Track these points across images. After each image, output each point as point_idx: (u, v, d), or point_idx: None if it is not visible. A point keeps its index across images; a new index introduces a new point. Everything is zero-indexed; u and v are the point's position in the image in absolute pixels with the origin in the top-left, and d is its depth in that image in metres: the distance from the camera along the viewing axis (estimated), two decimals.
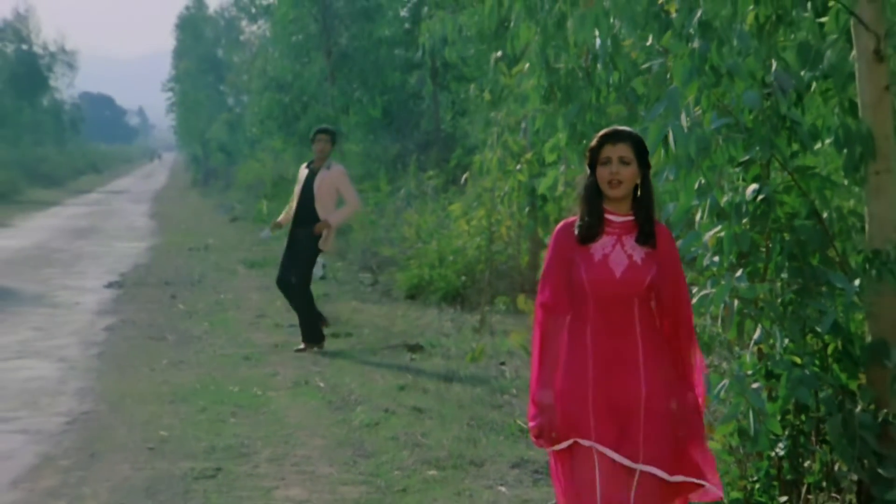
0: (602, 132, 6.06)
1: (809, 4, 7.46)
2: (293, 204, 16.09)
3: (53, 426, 11.38)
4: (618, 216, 6.02)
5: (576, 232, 6.04)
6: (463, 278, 20.11)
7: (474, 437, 10.79)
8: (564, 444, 5.99)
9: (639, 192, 6.01)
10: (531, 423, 6.11)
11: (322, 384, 13.32)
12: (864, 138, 6.89)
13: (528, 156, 17.80)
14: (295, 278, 15.86)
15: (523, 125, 16.95)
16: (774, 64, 7.16)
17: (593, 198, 6.02)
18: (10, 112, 78.14)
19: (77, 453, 10.41)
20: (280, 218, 16.42)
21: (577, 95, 13.45)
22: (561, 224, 6.19)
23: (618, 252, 5.96)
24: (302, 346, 15.71)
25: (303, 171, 16.24)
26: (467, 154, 22.06)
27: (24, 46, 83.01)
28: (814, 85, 7.44)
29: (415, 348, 15.49)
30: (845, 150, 6.93)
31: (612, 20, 9.42)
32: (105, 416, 11.80)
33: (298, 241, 15.92)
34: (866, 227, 7.09)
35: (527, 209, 18.09)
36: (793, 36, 7.64)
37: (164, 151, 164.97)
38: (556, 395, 6.03)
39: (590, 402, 5.93)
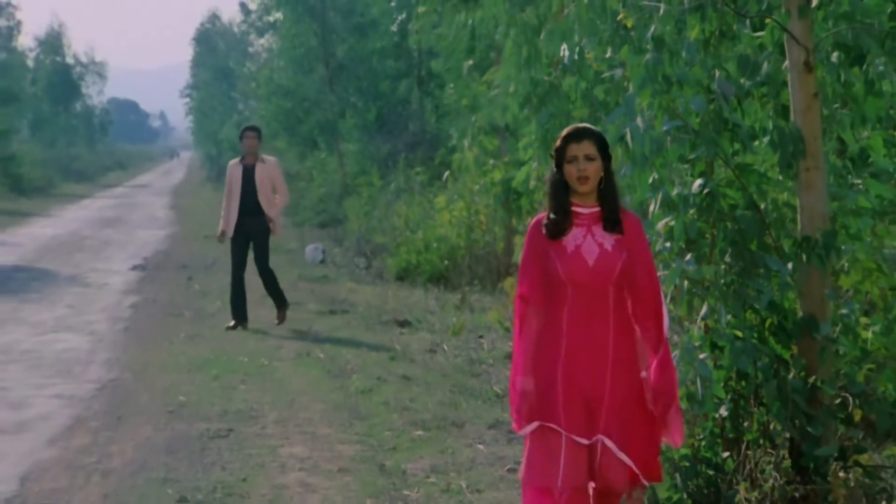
0: (565, 132, 5.88)
1: (748, 21, 7.48)
2: (232, 203, 15.45)
3: (85, 392, 11.38)
4: (585, 208, 5.82)
5: (544, 231, 5.84)
6: (446, 262, 20.14)
7: (456, 401, 10.81)
8: (531, 427, 5.78)
9: (602, 184, 5.81)
10: (514, 412, 5.88)
11: (322, 355, 13.33)
12: (795, 139, 6.92)
13: (506, 158, 17.84)
14: (259, 266, 15.64)
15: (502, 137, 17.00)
16: (718, 74, 7.18)
17: (560, 194, 5.82)
18: (48, 117, 77.97)
19: (105, 416, 10.42)
20: (223, 227, 15.62)
21: (549, 102, 13.49)
22: (534, 220, 5.97)
23: (589, 242, 5.76)
24: (278, 317, 15.79)
25: (235, 169, 15.56)
26: (450, 153, 22.05)
27: (59, 59, 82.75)
28: (752, 92, 7.46)
29: (403, 324, 15.50)
30: (780, 150, 6.95)
31: (576, 36, 9.38)
32: (130, 384, 11.81)
33: (251, 230, 15.51)
34: (798, 216, 7.12)
35: (501, 202, 18.12)
36: (734, 49, 7.65)
37: (181, 150, 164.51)
38: (534, 381, 5.81)
39: (559, 385, 5.74)
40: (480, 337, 14.28)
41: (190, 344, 14.00)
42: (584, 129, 5.85)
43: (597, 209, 5.82)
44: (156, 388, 11.56)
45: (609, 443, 5.70)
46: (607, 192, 5.82)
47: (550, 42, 10.24)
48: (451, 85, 20.26)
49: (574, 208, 5.83)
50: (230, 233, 15.46)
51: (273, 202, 15.58)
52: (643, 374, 5.87)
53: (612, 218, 5.79)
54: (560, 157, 5.82)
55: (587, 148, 5.74)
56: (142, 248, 26.78)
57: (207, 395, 11.23)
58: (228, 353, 13.45)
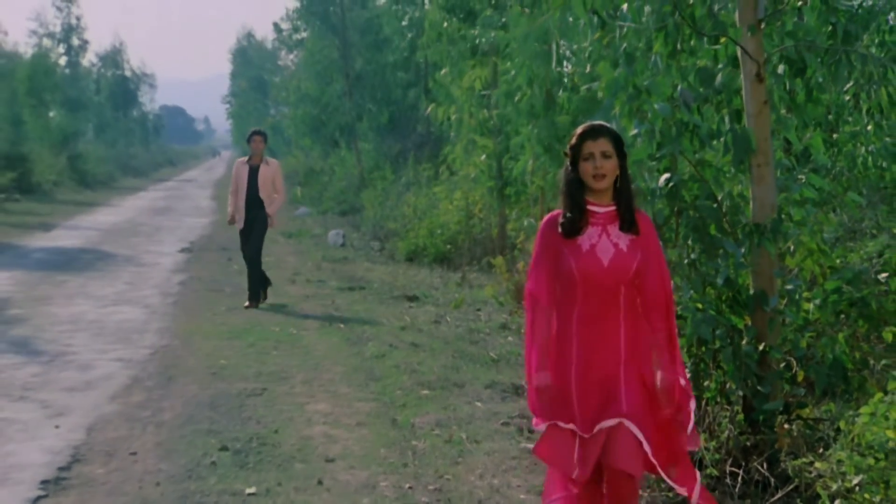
0: (581, 129, 5.17)
1: (706, 38, 7.45)
2: (239, 197, 15.02)
3: (140, 356, 11.37)
4: (601, 207, 5.14)
5: (559, 229, 5.14)
6: (448, 246, 20.13)
7: (457, 365, 10.80)
8: (544, 426, 5.23)
9: (618, 183, 5.14)
10: (532, 408, 5.28)
11: (342, 325, 13.31)
12: (747, 140, 6.89)
13: (506, 158, 17.79)
14: (251, 250, 15.05)
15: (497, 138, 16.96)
16: (680, 84, 7.16)
17: (576, 192, 5.12)
18: (109, 121, 78.04)
19: (158, 377, 10.41)
20: (232, 214, 15.18)
21: (548, 113, 13.55)
22: (547, 217, 5.25)
23: (604, 241, 5.09)
24: (247, 303, 14.92)
25: (242, 167, 15.12)
26: (452, 149, 22.06)
27: (119, 72, 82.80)
28: (709, 98, 7.43)
29: (412, 298, 15.48)
30: (733, 150, 6.93)
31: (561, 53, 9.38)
32: (178, 349, 11.80)
33: (254, 222, 15.02)
34: (750, 206, 7.10)
35: (494, 192, 18.09)
36: (693, 61, 7.63)
37: (222, 150, 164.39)
38: (551, 376, 5.19)
39: (573, 385, 5.12)
40: (478, 310, 14.27)
41: (229, 315, 13.98)
42: (601, 126, 5.17)
43: (612, 208, 5.15)
44: (200, 353, 11.55)
45: (629, 423, 5.03)
46: (623, 191, 5.15)
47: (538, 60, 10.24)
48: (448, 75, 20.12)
49: (589, 207, 5.15)
50: (240, 225, 15.07)
51: (273, 199, 15.11)
52: (658, 375, 5.19)
53: (628, 217, 5.14)
54: (576, 155, 5.14)
55: (603, 145, 5.07)
56: (188, 233, 26.76)
57: (244, 359, 11.23)
58: (262, 324, 13.44)
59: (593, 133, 5.11)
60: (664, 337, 5.22)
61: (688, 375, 5.41)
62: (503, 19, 16.21)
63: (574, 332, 5.14)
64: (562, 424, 5.18)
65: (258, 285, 15.09)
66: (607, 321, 5.13)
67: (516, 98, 14.79)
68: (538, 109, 14.02)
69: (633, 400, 5.10)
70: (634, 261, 5.11)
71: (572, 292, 5.15)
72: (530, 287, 5.26)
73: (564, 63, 14.28)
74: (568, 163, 5.17)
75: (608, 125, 5.16)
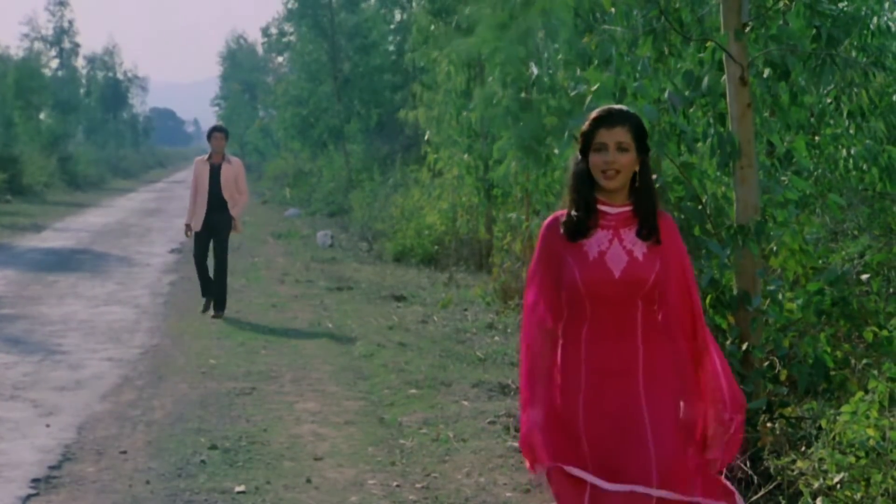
0: (595, 113, 4.19)
1: (693, 43, 7.47)
2: (199, 198, 14.00)
3: (131, 355, 11.35)
4: (613, 207, 4.20)
5: (562, 230, 4.21)
6: (436, 247, 20.12)
7: (444, 364, 10.79)
8: (544, 468, 4.20)
9: (637, 181, 4.19)
10: (524, 450, 4.27)
11: (330, 325, 13.30)
12: (733, 143, 6.90)
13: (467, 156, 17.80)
14: (219, 256, 14.05)
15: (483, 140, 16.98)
16: (668, 88, 7.18)
17: (584, 187, 4.18)
18: (100, 123, 77.91)
19: (148, 375, 10.40)
20: (189, 221, 14.13)
21: (525, 116, 13.56)
22: (549, 218, 4.32)
23: (616, 248, 4.15)
24: (214, 312, 13.97)
25: (203, 166, 14.09)
26: (435, 151, 22.04)
27: (110, 74, 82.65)
28: (695, 101, 7.45)
29: (400, 298, 15.48)
30: (718, 152, 6.94)
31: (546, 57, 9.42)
32: (169, 348, 11.78)
33: (217, 225, 13.99)
34: (734, 207, 7.11)
35: (481, 193, 18.10)
36: (679, 65, 7.64)
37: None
38: (548, 411, 4.21)
39: (580, 420, 4.16)
40: (465, 310, 14.27)
41: None
42: (620, 111, 4.18)
43: (627, 209, 4.20)
44: (191, 352, 11.53)
45: (673, 495, 4.09)
46: (643, 191, 4.20)
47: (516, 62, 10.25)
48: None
49: (599, 206, 4.20)
50: (197, 227, 14.01)
51: (236, 200, 14.14)
52: (681, 407, 4.26)
53: (648, 222, 4.19)
54: (587, 143, 4.18)
55: (620, 135, 4.10)
56: (178, 234, 26.63)
57: (234, 359, 11.21)
58: (251, 324, 13.44)
59: (609, 119, 4.14)
60: (688, 361, 4.29)
61: (740, 390, 4.38)
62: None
63: (583, 356, 4.20)
64: (570, 470, 4.15)
65: (224, 292, 14.12)
66: (622, 342, 4.18)
67: (493, 101, 14.82)
68: (514, 111, 14.02)
69: (664, 443, 4.14)
70: (652, 272, 4.17)
71: (579, 307, 4.20)
72: (528, 299, 4.33)
73: (545, 65, 14.28)
74: (578, 151, 4.24)
75: (630, 111, 4.22)
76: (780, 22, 7.41)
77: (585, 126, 4.19)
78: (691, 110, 7.56)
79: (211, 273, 14.23)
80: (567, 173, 4.34)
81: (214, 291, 14.09)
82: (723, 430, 4.27)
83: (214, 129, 14.49)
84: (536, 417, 4.21)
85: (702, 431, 4.27)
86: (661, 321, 4.25)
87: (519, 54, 13.80)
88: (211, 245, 14.22)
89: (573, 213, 4.21)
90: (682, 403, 4.25)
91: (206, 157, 14.30)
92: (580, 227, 4.19)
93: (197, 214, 14.03)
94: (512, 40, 13.69)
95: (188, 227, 14.13)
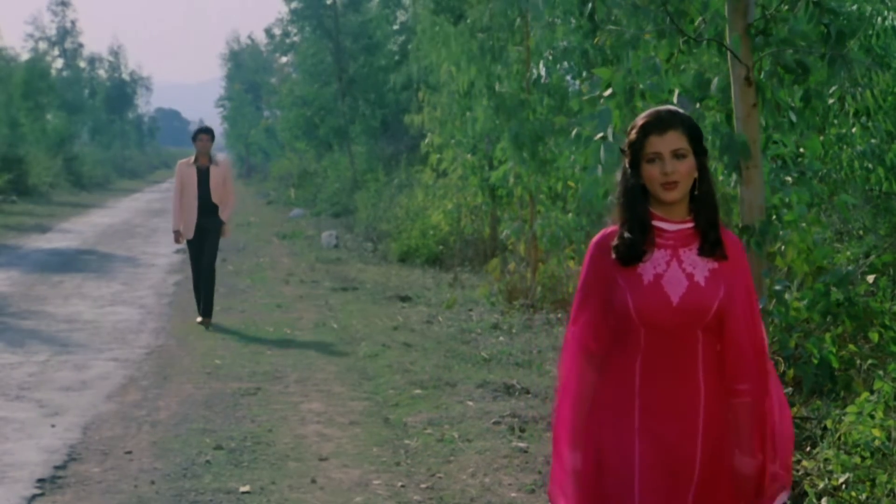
0: (642, 119, 3.66)
1: (705, 43, 7.46)
2: (187, 203, 13.28)
3: (136, 356, 11.35)
4: (671, 223, 3.68)
5: (613, 254, 3.69)
6: (440, 247, 20.10)
7: (449, 364, 10.78)
8: None
9: (696, 190, 3.67)
10: (558, 494, 3.82)
11: (335, 325, 13.29)
12: (742, 145, 6.89)
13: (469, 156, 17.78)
14: (207, 260, 13.37)
15: (487, 140, 17.01)
16: (677, 89, 7.18)
17: (637, 204, 3.66)
18: (105, 124, 77.97)
19: (153, 376, 10.39)
20: (177, 228, 13.43)
21: (516, 114, 13.54)
22: (599, 236, 3.80)
23: (674, 271, 3.65)
24: (201, 319, 13.39)
25: (188, 170, 13.40)
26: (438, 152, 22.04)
27: (116, 75, 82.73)
28: (706, 102, 7.45)
29: (405, 298, 15.46)
30: (728, 154, 6.93)
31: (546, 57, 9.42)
32: (174, 349, 11.78)
33: (208, 230, 13.32)
34: (739, 208, 7.10)
35: (485, 193, 18.07)
36: (684, 67, 7.63)
37: (217, 152, 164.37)
38: (590, 456, 3.72)
39: (636, 464, 3.64)
40: (470, 310, 14.25)
41: (224, 315, 13.94)
42: (670, 114, 3.66)
43: (688, 226, 3.69)
44: (196, 353, 11.53)
45: None
46: (704, 201, 3.68)
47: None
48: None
49: (655, 223, 3.69)
50: (189, 234, 13.36)
51: (225, 203, 13.52)
52: (735, 457, 3.73)
53: (710, 237, 3.68)
54: (636, 154, 3.66)
55: (675, 141, 3.60)
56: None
57: (239, 359, 11.21)
58: (257, 324, 13.42)
59: (660, 124, 3.63)
60: (748, 404, 3.72)
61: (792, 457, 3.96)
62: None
63: (636, 392, 3.69)
64: None
65: (212, 299, 13.46)
66: (681, 378, 3.67)
67: (481, 102, 14.86)
68: (509, 108, 14.01)
69: (709, 493, 3.70)
70: (716, 298, 3.64)
71: (633, 337, 3.69)
72: (573, 330, 3.82)
73: (541, 64, 14.28)
74: (626, 163, 3.72)
75: (680, 112, 3.71)
76: (789, 24, 7.39)
77: (632, 135, 3.68)
78: (698, 112, 7.55)
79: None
80: (616, 190, 3.79)
81: (202, 297, 13.42)
82: (777, 488, 3.81)
83: (200, 131, 13.73)
84: (578, 464, 3.74)
85: (755, 491, 3.77)
86: (724, 355, 3.71)
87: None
88: None
89: (626, 234, 3.67)
90: (736, 454, 3.73)
91: (192, 159, 13.59)
92: (635, 249, 3.67)
93: (187, 221, 13.35)
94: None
95: (177, 233, 13.47)
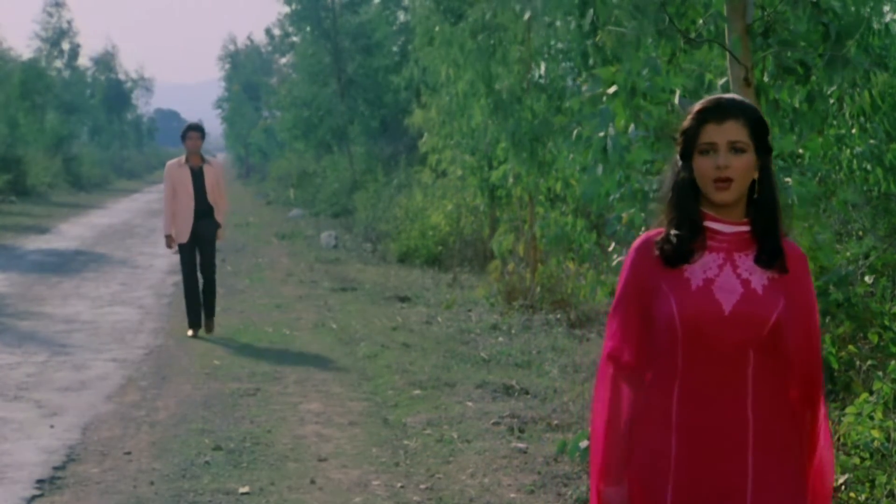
0: (700, 105, 3.18)
1: (707, 44, 7.46)
2: (181, 207, 12.50)
3: (135, 356, 11.35)
4: (725, 224, 3.18)
5: (656, 252, 3.21)
6: (440, 248, 20.10)
7: (448, 365, 10.78)
8: None
9: (756, 191, 3.17)
10: None
11: (334, 326, 13.29)
12: None
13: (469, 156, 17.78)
14: (208, 267, 12.78)
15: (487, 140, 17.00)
16: (678, 91, 7.18)
17: (688, 199, 3.19)
18: (103, 124, 77.94)
19: (152, 376, 10.39)
20: (169, 232, 12.73)
21: (513, 112, 13.55)
22: (640, 239, 3.31)
23: (727, 276, 3.13)
24: (206, 328, 12.77)
25: (180, 171, 12.55)
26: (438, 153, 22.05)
27: (113, 75, 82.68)
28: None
29: (404, 299, 15.46)
30: None
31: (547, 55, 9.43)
32: (173, 349, 11.78)
33: (203, 235, 12.58)
34: None
35: (485, 193, 18.06)
36: (685, 66, 7.63)
37: (216, 152, 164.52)
38: (631, 494, 3.23)
39: (669, 499, 3.13)
40: (469, 310, 14.25)
41: (223, 315, 13.92)
42: (731, 101, 3.18)
43: (744, 228, 3.19)
44: (194, 353, 11.53)
45: None
46: (764, 205, 3.17)
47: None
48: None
49: (708, 223, 3.19)
50: (183, 238, 12.58)
51: (219, 204, 12.75)
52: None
53: (769, 245, 3.16)
54: (689, 144, 3.18)
55: (734, 131, 3.11)
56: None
57: (238, 359, 11.21)
58: (255, 324, 13.42)
59: (718, 112, 3.14)
60: (806, 432, 3.26)
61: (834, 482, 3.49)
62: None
63: (673, 422, 3.15)
64: None
65: (214, 303, 12.96)
66: (726, 406, 3.13)
67: (478, 101, 14.86)
68: (506, 106, 14.01)
69: None
70: (774, 310, 3.12)
71: (671, 353, 3.16)
72: (610, 344, 3.31)
73: (541, 63, 14.28)
74: (678, 154, 3.25)
75: (746, 101, 3.22)
76: (787, 24, 7.39)
77: (687, 122, 3.20)
78: None
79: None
80: (664, 184, 3.34)
81: (205, 307, 12.78)
82: None
83: (189, 129, 12.82)
84: (619, 499, 3.26)
85: None
86: (778, 378, 3.19)
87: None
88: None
89: (673, 232, 3.20)
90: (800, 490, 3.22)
91: (182, 160, 12.72)
92: (682, 248, 3.17)
93: (181, 224, 12.57)
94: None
95: (169, 238, 12.75)
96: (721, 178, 3.10)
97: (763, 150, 3.15)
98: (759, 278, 3.14)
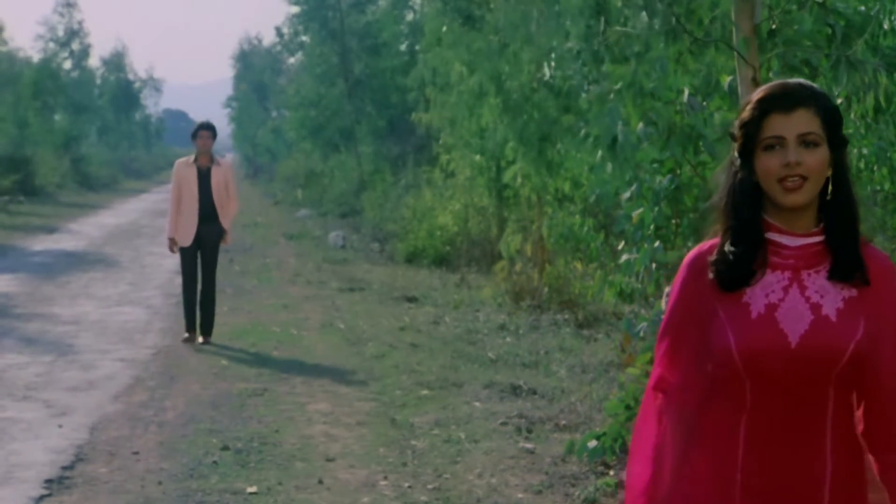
0: (762, 92, 2.68)
1: (715, 44, 7.44)
2: (186, 207, 12.07)
3: (143, 356, 11.35)
4: (793, 237, 2.69)
5: (711, 274, 2.72)
6: (447, 248, 20.09)
7: (455, 365, 10.76)
8: None
9: (829, 192, 2.67)
10: None
11: (342, 326, 13.28)
12: None
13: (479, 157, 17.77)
14: (208, 273, 12.26)
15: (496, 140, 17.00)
16: (686, 90, 7.17)
17: (747, 206, 2.69)
18: (112, 124, 78.05)
19: (160, 376, 10.39)
20: (172, 235, 12.24)
21: (521, 111, 13.54)
22: (693, 252, 2.85)
23: (794, 299, 2.64)
24: (188, 336, 12.17)
25: (188, 170, 12.17)
26: (447, 152, 22.04)
27: (122, 75, 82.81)
28: (715, 100, 7.45)
29: (411, 299, 15.45)
30: None
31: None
32: (181, 349, 11.77)
33: (207, 239, 12.12)
34: None
35: (493, 193, 18.05)
36: (694, 66, 7.62)
37: (224, 152, 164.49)
38: None
39: None
40: (477, 310, 14.23)
41: (231, 315, 13.93)
42: (800, 87, 2.67)
43: (815, 240, 2.70)
44: (202, 353, 11.52)
45: None
46: (839, 209, 2.68)
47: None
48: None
49: (771, 235, 2.70)
50: (185, 241, 12.08)
51: (226, 208, 12.27)
52: None
53: (845, 256, 2.66)
54: (750, 139, 2.68)
55: (804, 122, 2.62)
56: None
57: (246, 359, 11.20)
58: (263, 324, 13.41)
59: (786, 99, 2.65)
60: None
61: None
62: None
63: (739, 465, 2.68)
64: None
65: (213, 314, 12.32)
66: (801, 448, 2.66)
67: (488, 100, 14.87)
68: (515, 105, 14.00)
69: None
70: (852, 339, 2.61)
71: (736, 390, 2.69)
72: (655, 374, 2.86)
73: (551, 63, 14.27)
74: (735, 151, 2.75)
75: (815, 86, 2.70)
76: (795, 24, 7.37)
77: (747, 112, 2.70)
78: (707, 113, 7.54)
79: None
80: (717, 186, 2.87)
81: (202, 315, 12.22)
82: None
83: (200, 127, 12.41)
84: None
85: None
86: (863, 415, 2.71)
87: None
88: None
89: (729, 248, 2.71)
90: None
91: (191, 159, 12.35)
92: (740, 269, 2.69)
93: (184, 227, 12.12)
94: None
95: (172, 241, 12.26)
96: (791, 177, 2.61)
97: (837, 142, 2.68)
98: (832, 300, 2.65)
